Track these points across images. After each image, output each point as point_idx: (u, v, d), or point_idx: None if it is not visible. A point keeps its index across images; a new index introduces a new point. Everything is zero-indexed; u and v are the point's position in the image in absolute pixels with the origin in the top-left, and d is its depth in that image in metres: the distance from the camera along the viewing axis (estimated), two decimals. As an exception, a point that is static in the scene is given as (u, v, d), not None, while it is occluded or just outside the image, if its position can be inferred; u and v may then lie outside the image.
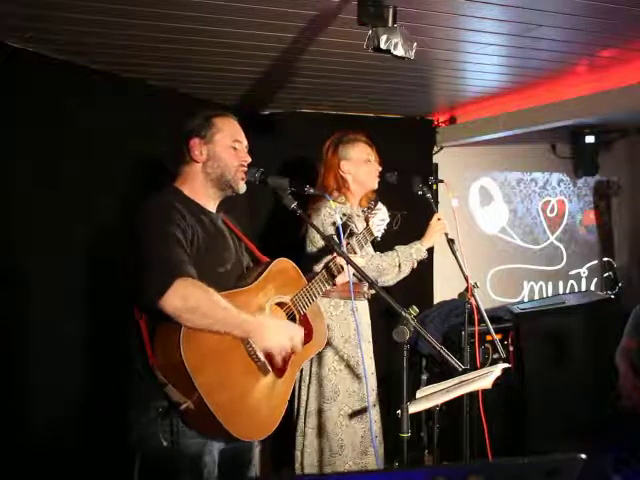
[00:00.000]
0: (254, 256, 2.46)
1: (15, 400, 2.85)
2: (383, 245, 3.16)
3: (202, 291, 2.03)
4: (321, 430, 3.00)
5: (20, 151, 2.89)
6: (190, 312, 1.99)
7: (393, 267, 3.11)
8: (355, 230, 2.82)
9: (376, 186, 3.18)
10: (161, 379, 2.02)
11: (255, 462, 2.38)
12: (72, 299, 3.10)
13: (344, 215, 2.82)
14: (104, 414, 2.96)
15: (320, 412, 3.00)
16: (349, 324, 3.02)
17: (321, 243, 3.02)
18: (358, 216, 3.09)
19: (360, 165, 3.15)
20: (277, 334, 2.19)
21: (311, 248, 3.09)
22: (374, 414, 3.07)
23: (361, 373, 2.98)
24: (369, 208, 2.97)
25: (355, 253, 2.70)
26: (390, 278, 3.14)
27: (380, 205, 2.98)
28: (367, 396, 2.92)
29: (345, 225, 2.65)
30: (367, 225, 2.90)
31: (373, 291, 3.01)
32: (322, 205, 3.02)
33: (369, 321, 3.17)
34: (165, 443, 2.06)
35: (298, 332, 2.28)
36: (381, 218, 2.94)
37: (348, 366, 3.01)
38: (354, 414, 3.00)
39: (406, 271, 3.15)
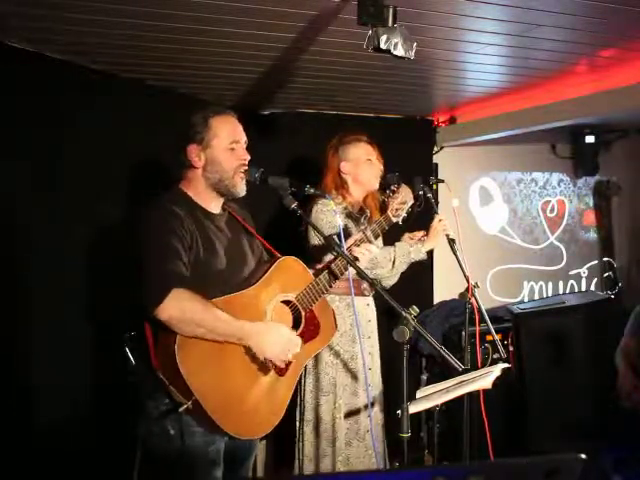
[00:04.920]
0: (269, 252, 2.47)
1: (19, 401, 2.85)
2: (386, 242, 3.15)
3: (198, 303, 2.06)
4: (318, 422, 3.03)
5: (20, 151, 2.89)
6: (185, 323, 2.04)
7: (387, 261, 3.07)
8: (352, 231, 2.81)
9: (377, 186, 3.15)
10: (164, 380, 2.07)
11: (251, 460, 2.42)
12: (75, 299, 3.10)
13: (347, 216, 2.79)
14: (111, 413, 2.97)
15: (317, 406, 3.02)
16: (344, 319, 3.02)
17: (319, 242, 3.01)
18: (355, 218, 3.09)
19: (360, 165, 3.14)
20: (274, 344, 2.19)
21: (312, 242, 3.07)
22: (375, 410, 3.08)
23: (355, 368, 3.01)
24: (390, 191, 2.79)
25: (370, 242, 2.60)
26: (383, 272, 3.09)
27: (403, 186, 2.81)
28: (367, 393, 2.94)
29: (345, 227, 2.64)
30: (385, 212, 2.76)
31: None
32: (318, 206, 3.00)
33: (371, 318, 3.16)
34: (172, 432, 2.10)
35: (294, 342, 2.27)
36: (401, 201, 2.75)
37: (343, 360, 3.03)
38: (347, 407, 3.02)
39: (400, 269, 3.12)
